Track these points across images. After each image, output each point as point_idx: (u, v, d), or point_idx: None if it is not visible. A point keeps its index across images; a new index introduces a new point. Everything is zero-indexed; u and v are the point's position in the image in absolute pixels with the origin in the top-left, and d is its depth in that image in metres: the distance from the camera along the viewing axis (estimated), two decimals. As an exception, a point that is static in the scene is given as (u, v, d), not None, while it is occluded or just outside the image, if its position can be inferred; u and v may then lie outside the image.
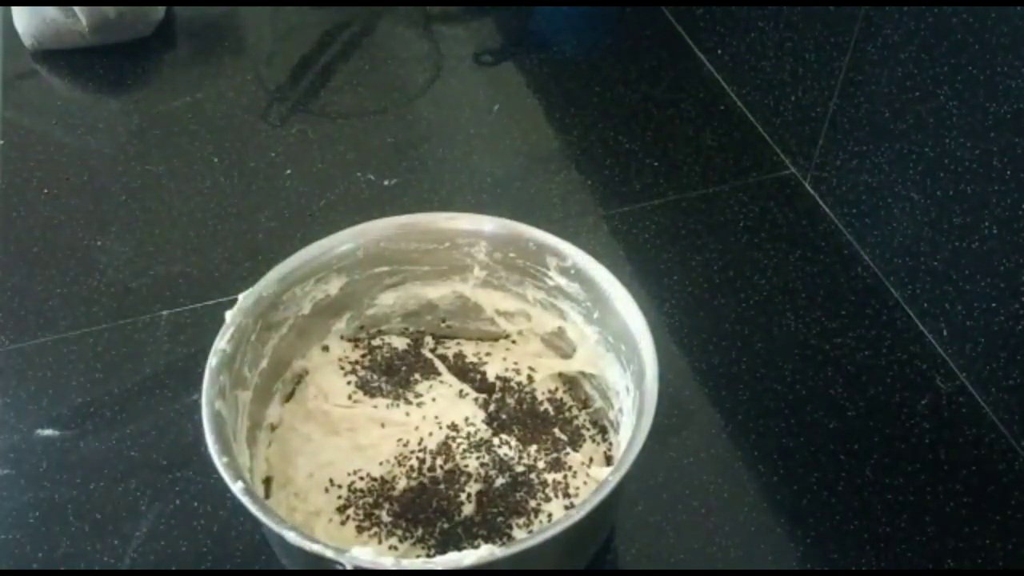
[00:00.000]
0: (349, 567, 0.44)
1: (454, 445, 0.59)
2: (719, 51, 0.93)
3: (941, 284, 0.68)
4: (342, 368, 0.63)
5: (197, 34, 0.99)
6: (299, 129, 0.89)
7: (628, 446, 0.49)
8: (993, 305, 0.64)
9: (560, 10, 1.03)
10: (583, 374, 0.63)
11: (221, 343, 0.54)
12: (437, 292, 0.64)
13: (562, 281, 0.60)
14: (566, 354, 0.63)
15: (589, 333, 0.60)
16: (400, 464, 0.59)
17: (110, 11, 0.92)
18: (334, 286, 0.61)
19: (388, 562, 0.45)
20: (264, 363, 0.59)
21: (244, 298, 0.56)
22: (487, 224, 0.61)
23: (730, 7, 0.88)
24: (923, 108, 0.66)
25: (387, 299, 0.64)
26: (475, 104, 0.92)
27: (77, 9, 0.91)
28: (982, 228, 0.63)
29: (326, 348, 0.64)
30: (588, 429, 0.62)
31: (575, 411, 0.63)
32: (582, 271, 0.58)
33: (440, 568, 0.45)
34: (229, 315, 0.55)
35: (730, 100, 0.91)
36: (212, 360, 0.53)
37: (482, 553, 0.45)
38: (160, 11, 0.98)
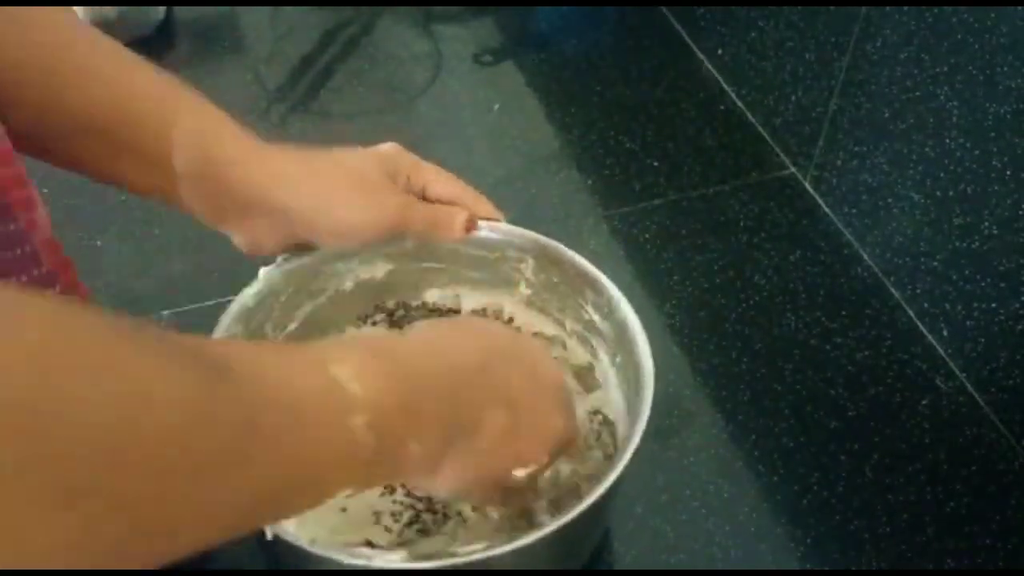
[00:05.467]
0: (344, 565, 0.44)
1: None
2: (719, 51, 0.93)
3: (941, 284, 0.68)
4: None
5: (197, 34, 0.99)
6: (299, 129, 0.89)
7: (621, 450, 0.48)
8: (993, 305, 0.64)
9: (560, 10, 1.03)
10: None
11: (246, 296, 0.54)
12: (482, 301, 0.63)
13: (596, 317, 0.57)
14: (590, 388, 0.62)
15: (611, 376, 0.58)
16: None
17: (110, 11, 0.92)
18: (380, 270, 0.60)
19: (380, 563, 0.45)
20: (293, 326, 0.58)
21: (283, 260, 0.56)
22: (537, 241, 0.58)
23: (730, 7, 0.88)
24: (923, 108, 0.66)
25: (432, 296, 0.63)
26: (475, 104, 0.92)
27: (77, 9, 0.91)
28: (982, 228, 0.63)
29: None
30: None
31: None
32: (614, 310, 0.56)
33: (433, 567, 0.45)
34: (263, 271, 0.55)
35: (730, 100, 0.91)
36: (232, 308, 0.53)
37: (475, 552, 0.45)
38: (160, 11, 0.98)
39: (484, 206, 0.57)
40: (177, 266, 0.76)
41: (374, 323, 0.64)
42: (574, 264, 0.57)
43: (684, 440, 0.65)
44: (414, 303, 0.63)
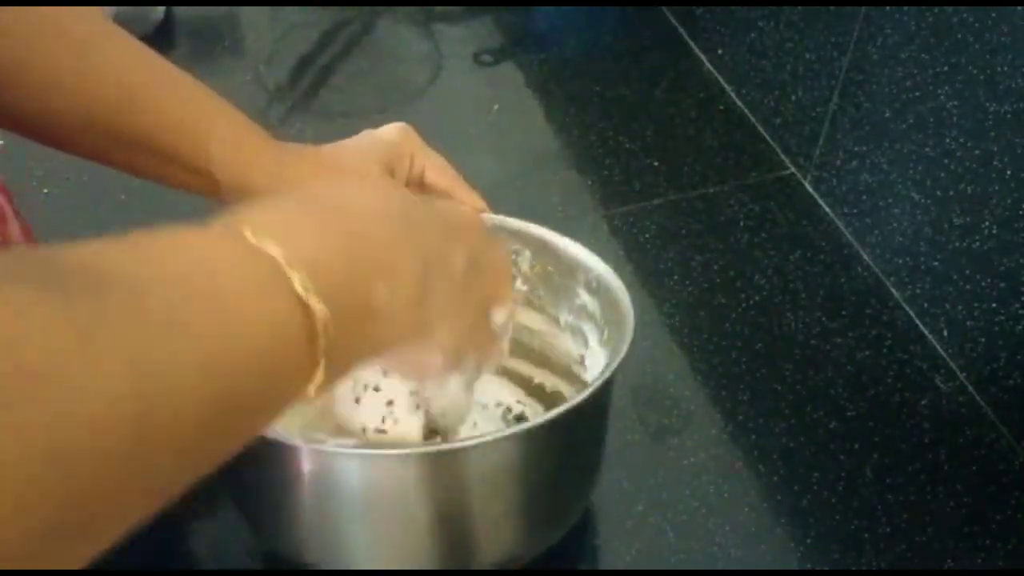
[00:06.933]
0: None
1: None
2: (719, 51, 0.93)
3: (941, 284, 0.68)
4: None
5: (197, 34, 0.99)
6: (299, 129, 0.89)
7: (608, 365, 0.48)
8: (993, 305, 0.64)
9: (560, 10, 1.03)
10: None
11: None
12: None
13: (587, 297, 0.57)
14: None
15: (600, 357, 0.57)
16: None
17: (109, 11, 0.92)
18: None
19: (338, 445, 0.45)
20: None
21: None
22: (533, 231, 0.58)
23: (730, 7, 0.88)
24: (923, 108, 0.66)
25: None
26: (475, 104, 0.92)
27: (77, 9, 0.91)
28: (982, 228, 0.63)
29: None
30: None
31: None
32: (602, 285, 0.55)
33: (427, 450, 0.46)
34: None
35: (730, 100, 0.91)
36: None
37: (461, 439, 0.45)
38: (160, 11, 0.97)
39: (475, 201, 0.59)
40: (177, 266, 0.76)
41: None
42: (566, 248, 0.57)
43: (684, 440, 0.65)
44: None
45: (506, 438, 0.46)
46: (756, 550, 0.59)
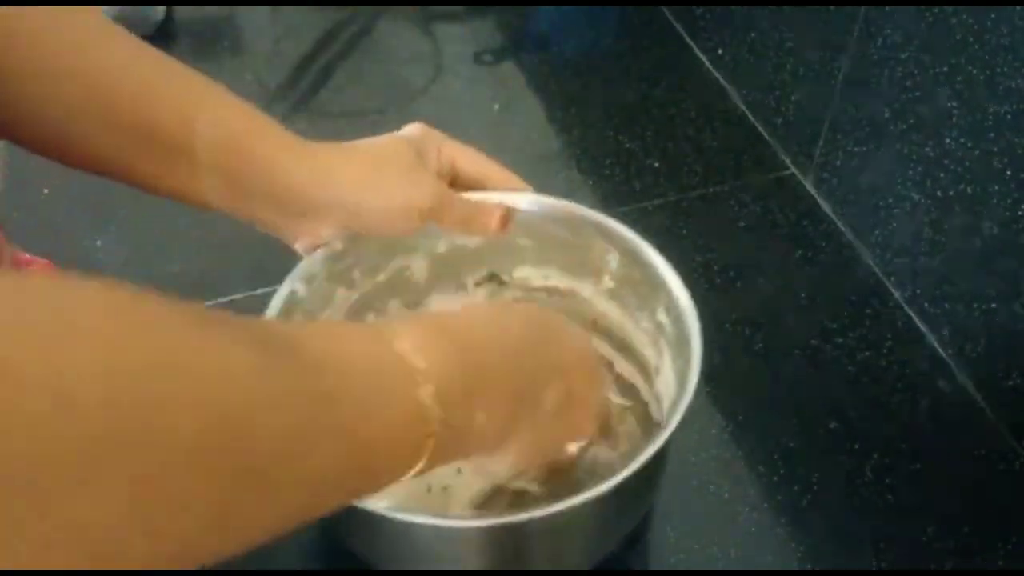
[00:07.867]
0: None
1: None
2: (719, 51, 0.93)
3: (941, 284, 0.68)
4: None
5: (197, 34, 0.99)
6: (299, 129, 0.88)
7: (667, 420, 0.48)
8: (993, 305, 0.64)
9: (560, 10, 1.03)
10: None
11: (335, 241, 0.54)
12: (567, 285, 0.62)
13: (666, 320, 0.55)
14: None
15: (671, 379, 0.56)
16: None
17: (110, 11, 0.92)
18: (472, 239, 0.59)
19: (384, 507, 0.45)
20: (381, 276, 0.58)
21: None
22: (625, 237, 0.57)
23: (730, 7, 0.88)
24: (923, 108, 0.66)
25: (524, 272, 0.62)
26: (475, 104, 0.92)
27: (77, 9, 0.91)
28: (982, 228, 0.63)
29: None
30: None
31: None
32: (681, 317, 0.53)
33: (487, 524, 0.45)
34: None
35: (730, 100, 0.91)
36: (319, 252, 0.53)
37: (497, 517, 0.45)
38: (160, 11, 0.98)
39: (514, 181, 0.57)
40: (177, 266, 0.76)
41: (477, 284, 0.63)
42: (656, 266, 0.55)
43: (684, 440, 0.65)
44: (504, 277, 0.62)
45: (569, 510, 0.43)
46: (756, 550, 0.59)
